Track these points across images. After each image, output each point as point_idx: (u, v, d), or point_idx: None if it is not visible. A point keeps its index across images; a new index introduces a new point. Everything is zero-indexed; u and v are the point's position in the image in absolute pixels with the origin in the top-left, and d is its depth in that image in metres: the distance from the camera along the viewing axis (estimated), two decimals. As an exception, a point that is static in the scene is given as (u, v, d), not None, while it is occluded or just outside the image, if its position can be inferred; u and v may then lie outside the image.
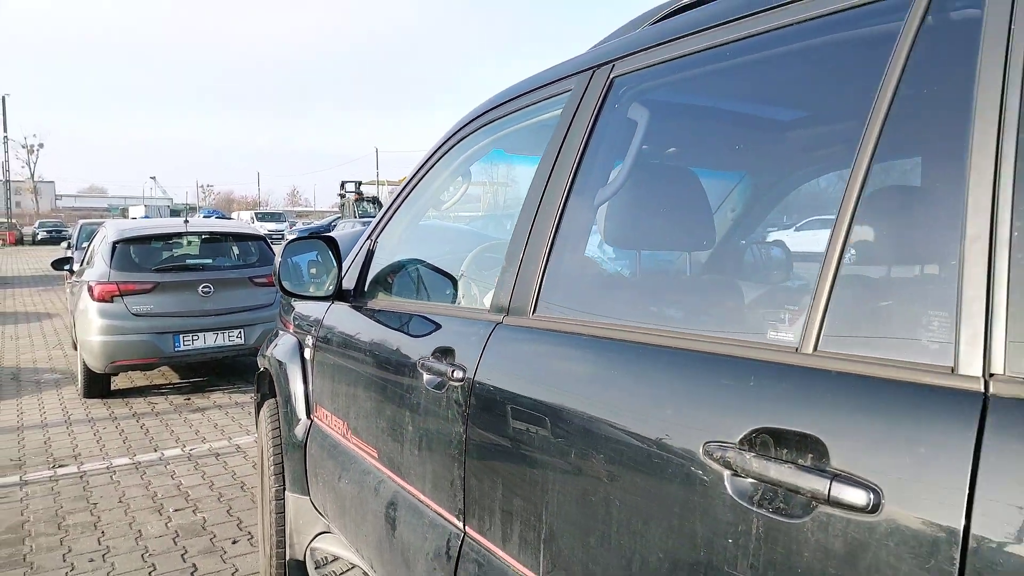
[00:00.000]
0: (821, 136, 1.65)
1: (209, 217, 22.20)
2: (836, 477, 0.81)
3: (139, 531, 3.64)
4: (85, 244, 11.27)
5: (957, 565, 0.71)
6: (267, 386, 3.00)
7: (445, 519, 1.65)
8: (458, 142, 2.14)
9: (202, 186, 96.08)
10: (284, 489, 2.71)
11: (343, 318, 2.35)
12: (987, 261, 0.77)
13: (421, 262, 2.31)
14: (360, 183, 28.92)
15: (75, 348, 7.83)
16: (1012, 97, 0.78)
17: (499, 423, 1.44)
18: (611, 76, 1.51)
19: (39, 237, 43.31)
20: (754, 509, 0.91)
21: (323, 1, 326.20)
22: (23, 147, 72.64)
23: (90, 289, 6.13)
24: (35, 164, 75.83)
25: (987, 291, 0.76)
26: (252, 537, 3.53)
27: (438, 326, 1.83)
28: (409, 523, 1.80)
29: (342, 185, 29.26)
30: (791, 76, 1.39)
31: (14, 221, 46.45)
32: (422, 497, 1.76)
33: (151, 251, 6.61)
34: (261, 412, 3.03)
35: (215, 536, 3.58)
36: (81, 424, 5.58)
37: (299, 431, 2.59)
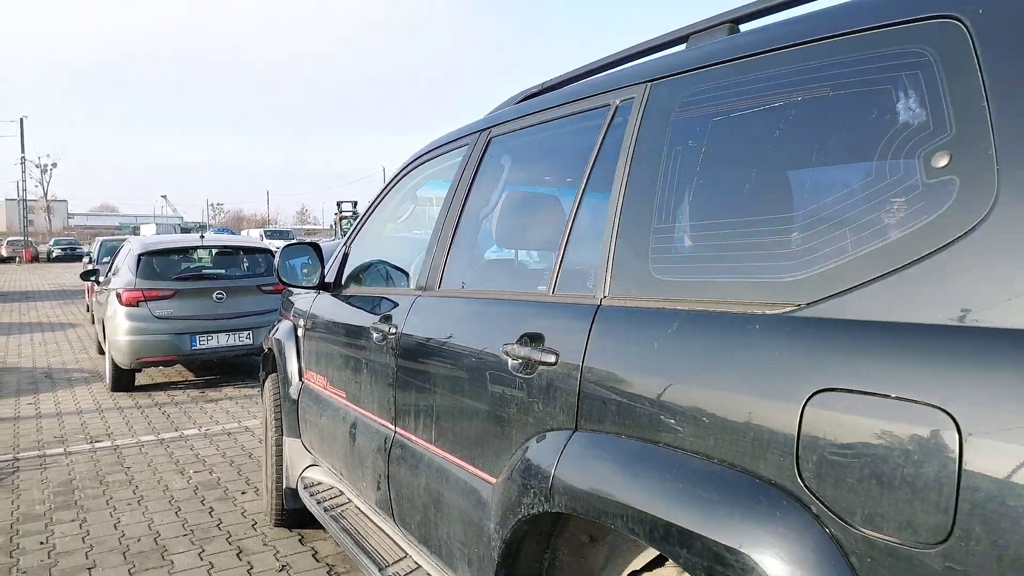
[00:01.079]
0: (569, 177, 2.44)
1: (220, 234, 23.19)
2: (550, 352, 1.64)
3: (166, 485, 4.47)
4: (106, 259, 12.22)
5: (576, 395, 1.54)
6: (271, 364, 3.84)
7: (384, 425, 2.49)
8: (406, 174, 3.00)
9: (212, 204, 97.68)
10: (282, 436, 3.55)
11: (325, 303, 3.20)
12: (607, 249, 1.61)
13: (381, 261, 3.15)
14: (355, 203, 30.01)
15: (100, 352, 8.72)
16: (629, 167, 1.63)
17: (414, 360, 2.29)
18: (490, 136, 2.37)
19: (54, 254, 44.42)
20: (518, 375, 1.74)
21: (331, 28, 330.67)
22: (37, 167, 74.04)
23: (118, 295, 7.00)
24: (48, 183, 77.25)
25: (606, 263, 1.60)
26: (256, 490, 4.36)
27: (385, 302, 2.67)
28: (363, 434, 2.64)
29: (338, 205, 30.41)
30: (564, 141, 2.20)
31: (30, 239, 47.61)
32: (371, 416, 2.60)
33: (171, 262, 7.49)
34: (265, 384, 3.88)
35: (227, 489, 4.41)
36: (111, 411, 6.43)
37: (293, 391, 3.43)
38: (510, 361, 1.79)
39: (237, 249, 8.08)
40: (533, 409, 1.70)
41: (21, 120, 48.55)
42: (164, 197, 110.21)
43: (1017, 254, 0.94)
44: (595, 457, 1.48)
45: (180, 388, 7.43)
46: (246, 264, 7.93)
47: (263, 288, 7.46)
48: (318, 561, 3.42)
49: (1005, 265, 0.95)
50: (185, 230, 53.07)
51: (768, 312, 1.22)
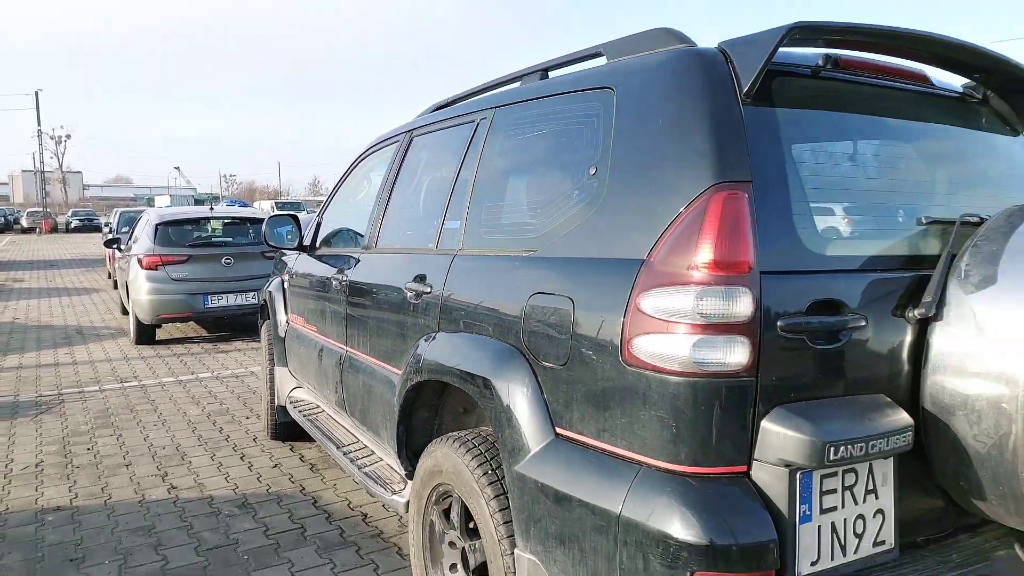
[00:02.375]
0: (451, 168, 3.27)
1: (232, 206, 24.18)
2: (428, 285, 2.58)
3: (184, 412, 5.49)
4: (125, 228, 13.23)
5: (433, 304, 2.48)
6: (265, 312, 4.80)
7: (339, 347, 3.45)
8: (362, 160, 3.92)
9: (224, 176, 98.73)
10: (274, 366, 4.53)
11: (303, 261, 4.14)
12: (463, 218, 2.53)
13: (343, 228, 4.08)
14: None
15: (124, 312, 9.74)
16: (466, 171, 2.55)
17: (357, 298, 3.23)
18: (412, 135, 3.28)
19: (72, 225, 45.62)
20: (412, 302, 2.68)
21: (346, 2, 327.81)
22: (51, 138, 75.00)
23: (139, 260, 7.99)
24: (63, 155, 78.27)
25: (462, 227, 2.52)
26: (258, 416, 5.35)
27: (342, 259, 3.60)
28: (326, 356, 3.61)
29: None
30: (450, 143, 3.03)
31: (49, 211, 48.85)
32: (331, 342, 3.56)
33: (185, 231, 8.46)
34: (262, 328, 4.85)
35: (234, 415, 5.41)
36: (136, 360, 7.46)
37: (281, 331, 4.40)
38: (408, 293, 2.72)
39: (243, 220, 9.04)
40: (419, 323, 2.64)
41: (36, 93, 49.54)
42: (177, 169, 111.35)
43: (616, 217, 1.86)
44: (442, 344, 2.43)
45: (195, 342, 8.45)
46: (251, 233, 8.89)
47: (266, 255, 8.42)
48: (303, 461, 4.42)
49: (613, 223, 1.86)
50: (199, 202, 54.12)
51: (523, 255, 2.15)
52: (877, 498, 1.68)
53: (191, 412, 5.51)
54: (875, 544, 1.68)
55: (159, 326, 8.31)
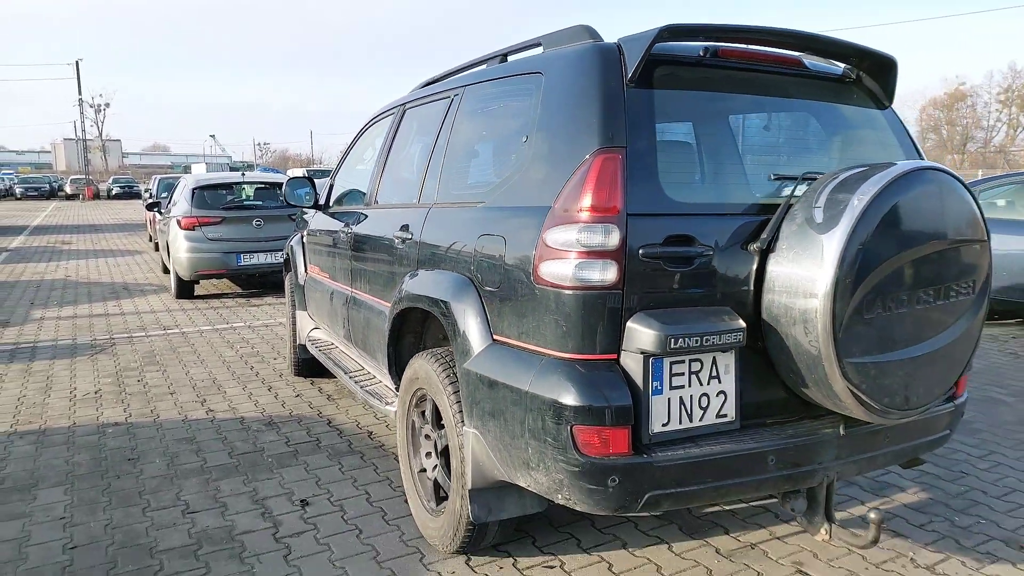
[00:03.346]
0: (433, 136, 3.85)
1: (266, 173, 25.06)
2: (411, 232, 3.19)
3: (220, 354, 6.22)
4: (164, 193, 14.07)
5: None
6: (288, 264, 5.47)
7: (346, 289, 4.09)
8: (367, 129, 4.53)
9: (259, 144, 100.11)
10: (295, 310, 5.21)
11: (318, 218, 4.78)
12: (437, 178, 3.13)
13: (351, 188, 4.70)
14: None
15: (164, 271, 10.54)
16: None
17: (359, 247, 3.86)
18: (404, 108, 3.87)
19: (113, 192, 47.08)
20: (399, 247, 3.29)
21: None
22: (91, 107, 76.59)
23: (178, 222, 8.74)
24: (103, 123, 79.96)
25: (436, 185, 3.12)
26: (284, 357, 6.06)
27: (349, 214, 4.22)
28: (336, 298, 4.26)
29: None
30: (432, 115, 3.58)
31: (91, 178, 50.38)
32: (340, 286, 4.20)
33: (219, 195, 9.18)
34: (286, 279, 5.53)
35: (263, 357, 6.13)
36: (177, 311, 8.24)
37: (301, 279, 5.07)
38: (396, 240, 3.34)
39: (272, 185, 9.74)
40: (403, 263, 3.25)
41: (77, 63, 50.82)
42: (212, 137, 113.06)
43: (536, 175, 2.44)
44: (420, 278, 3.04)
45: (230, 298, 9.22)
46: (280, 198, 9.58)
47: (292, 217, 9.10)
48: (321, 392, 5.11)
49: (534, 179, 2.44)
50: (234, 169, 55.28)
51: (476, 206, 2.74)
52: (720, 382, 2.27)
53: (226, 354, 6.24)
54: (718, 416, 2.27)
55: (197, 282, 9.08)
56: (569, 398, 2.13)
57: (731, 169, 2.57)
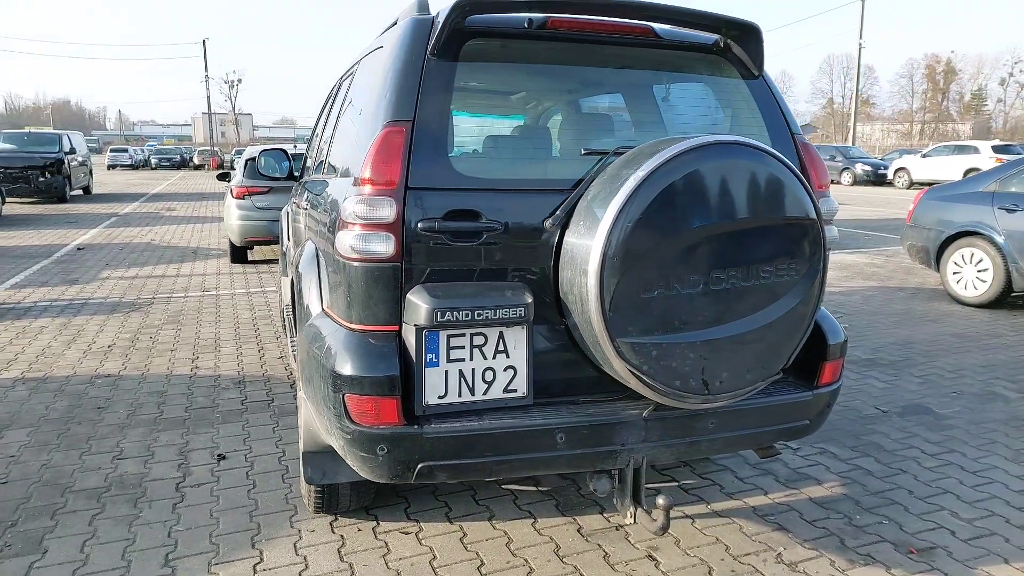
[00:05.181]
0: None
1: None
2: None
3: (237, 316, 6.62)
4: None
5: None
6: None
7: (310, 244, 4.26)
8: (325, 101, 4.65)
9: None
10: (281, 275, 5.46)
11: (295, 189, 4.98)
12: (324, 152, 3.21)
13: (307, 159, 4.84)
14: None
15: (232, 236, 11.20)
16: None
17: (295, 219, 4.01)
18: (340, 80, 3.96)
19: (234, 163, 50.07)
20: (304, 218, 3.41)
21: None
22: (225, 83, 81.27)
23: (232, 191, 9.27)
24: (236, 98, 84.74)
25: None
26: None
27: (303, 183, 4.37)
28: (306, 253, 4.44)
29: None
30: (340, 91, 3.67)
31: (217, 149, 53.78)
32: (308, 243, 4.38)
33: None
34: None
35: (274, 320, 6.47)
36: (224, 275, 8.79)
37: (283, 247, 5.31)
38: (300, 212, 3.45)
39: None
40: (301, 235, 3.37)
41: (204, 42, 54.07)
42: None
43: (357, 146, 2.47)
44: (301, 249, 3.14)
45: (277, 263, 9.70)
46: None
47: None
48: (303, 356, 5.35)
49: (357, 150, 2.48)
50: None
51: (336, 179, 2.80)
52: (508, 357, 2.24)
53: (242, 316, 6.63)
54: (506, 391, 2.25)
55: (249, 248, 9.62)
56: (342, 367, 2.18)
57: (540, 144, 2.51)
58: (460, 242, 2.21)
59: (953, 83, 69.30)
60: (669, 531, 2.90)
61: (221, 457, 3.61)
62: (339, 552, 2.77)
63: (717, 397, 2.24)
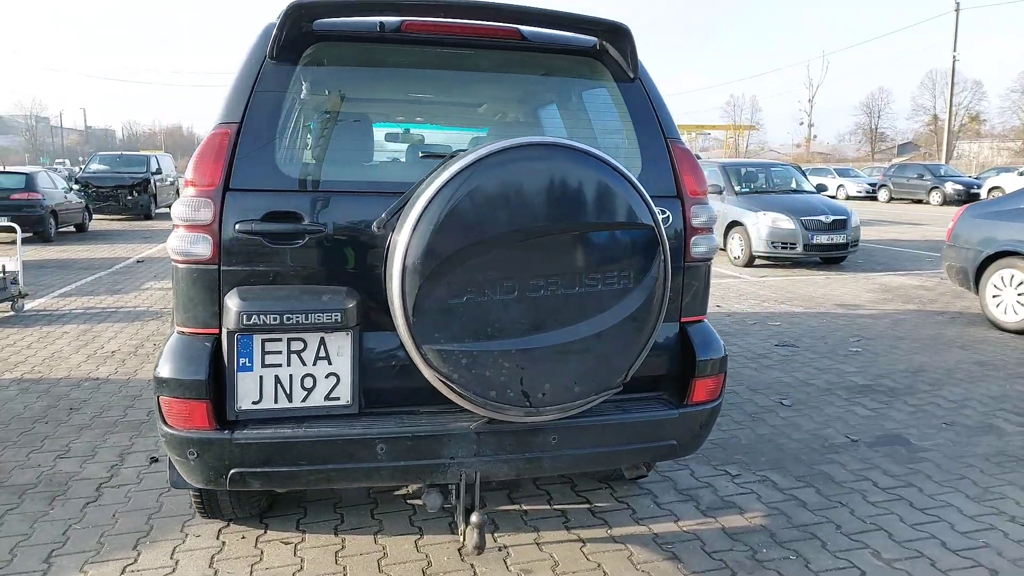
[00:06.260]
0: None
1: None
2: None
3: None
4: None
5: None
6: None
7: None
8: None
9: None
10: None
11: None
12: None
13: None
14: None
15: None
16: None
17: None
18: None
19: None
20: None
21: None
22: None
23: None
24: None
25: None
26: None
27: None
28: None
29: None
30: None
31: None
32: None
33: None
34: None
35: (276, 331, 6.61)
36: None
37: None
38: None
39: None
40: None
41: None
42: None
43: None
44: None
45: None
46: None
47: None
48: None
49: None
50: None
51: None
52: (330, 364, 2.19)
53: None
54: (327, 399, 2.20)
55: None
56: (160, 370, 2.19)
57: (381, 148, 2.45)
58: (278, 244, 2.19)
59: (1070, 97, 64.62)
60: (551, 554, 2.76)
61: (154, 460, 3.70)
62: (212, 559, 2.77)
63: (541, 411, 2.11)
